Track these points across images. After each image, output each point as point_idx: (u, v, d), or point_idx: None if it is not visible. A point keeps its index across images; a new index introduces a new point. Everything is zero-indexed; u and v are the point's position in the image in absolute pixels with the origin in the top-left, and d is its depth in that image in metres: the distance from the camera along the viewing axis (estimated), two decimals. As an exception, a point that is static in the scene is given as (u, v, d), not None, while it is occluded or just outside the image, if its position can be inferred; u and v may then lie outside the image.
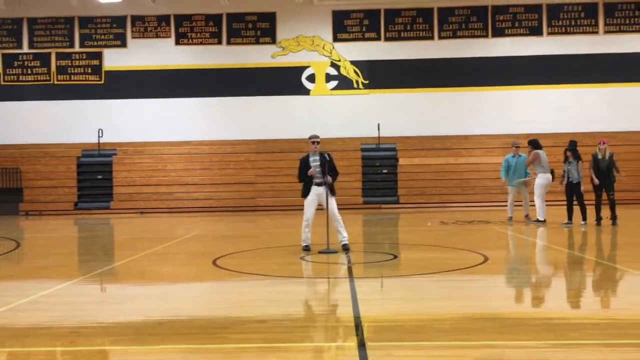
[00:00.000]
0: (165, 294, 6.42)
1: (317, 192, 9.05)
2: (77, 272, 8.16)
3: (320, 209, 9.14)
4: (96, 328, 4.89)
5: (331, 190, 9.04)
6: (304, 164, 9.14)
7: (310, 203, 9.06)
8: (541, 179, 12.90)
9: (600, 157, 12.53)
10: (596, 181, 12.47)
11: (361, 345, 4.15)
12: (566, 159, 12.63)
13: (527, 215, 13.59)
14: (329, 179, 8.96)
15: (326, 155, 9.19)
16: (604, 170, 12.42)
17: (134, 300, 6.06)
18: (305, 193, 9.09)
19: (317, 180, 9.03)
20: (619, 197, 13.06)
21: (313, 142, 9.14)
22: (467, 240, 10.78)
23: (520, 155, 13.73)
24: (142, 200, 20.77)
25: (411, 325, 4.72)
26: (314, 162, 9.07)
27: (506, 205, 14.07)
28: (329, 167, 9.00)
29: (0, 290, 6.78)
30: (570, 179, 12.41)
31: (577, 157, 12.53)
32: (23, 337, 4.61)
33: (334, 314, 5.39)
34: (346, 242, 9.02)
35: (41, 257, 9.87)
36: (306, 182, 9.11)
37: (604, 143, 12.54)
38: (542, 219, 12.78)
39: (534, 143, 13.21)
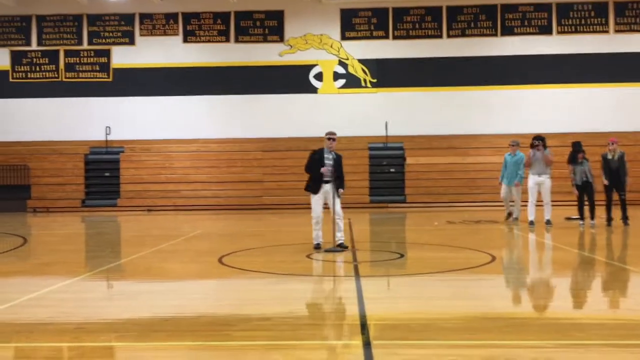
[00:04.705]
0: (171, 291, 6.42)
1: (324, 190, 8.99)
2: (83, 268, 8.18)
3: (326, 207, 9.10)
4: (101, 324, 4.89)
5: (337, 191, 8.99)
6: (317, 158, 8.98)
7: (318, 200, 8.99)
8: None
9: (610, 157, 12.43)
10: (605, 182, 12.39)
11: (367, 344, 4.13)
12: (575, 160, 12.49)
13: (516, 217, 13.53)
14: (341, 191, 8.94)
15: (340, 155, 9.12)
16: (615, 170, 12.32)
17: (140, 297, 6.07)
18: (315, 190, 9.00)
19: (326, 178, 8.95)
20: (630, 198, 12.94)
21: (329, 139, 8.99)
22: (474, 240, 10.73)
23: (516, 154, 13.63)
24: (149, 197, 20.82)
25: (417, 324, 4.70)
26: (328, 160, 8.95)
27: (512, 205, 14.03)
28: (338, 171, 8.95)
29: (6, 286, 6.81)
30: (585, 179, 12.32)
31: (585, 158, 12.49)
32: (28, 333, 4.62)
33: (339, 312, 5.37)
34: (342, 242, 8.97)
35: (48, 253, 9.91)
36: (316, 179, 9.01)
37: (613, 143, 12.44)
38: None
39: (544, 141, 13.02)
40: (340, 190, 8.93)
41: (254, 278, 6.98)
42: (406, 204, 20.32)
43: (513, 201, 13.89)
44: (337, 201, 8.97)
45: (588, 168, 12.37)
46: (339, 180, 8.99)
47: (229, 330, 4.59)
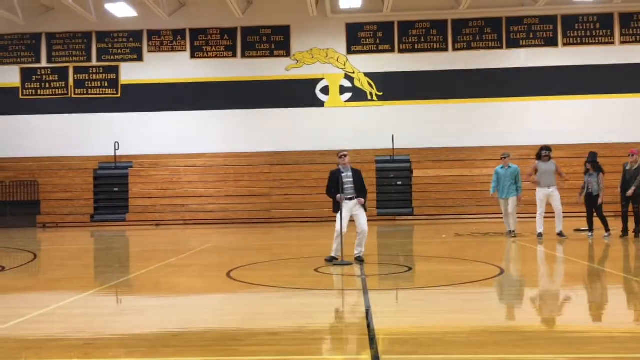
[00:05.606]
0: (180, 306, 6.43)
1: (348, 207, 9.07)
2: (92, 283, 8.21)
3: (351, 220, 9.16)
4: (110, 340, 4.90)
5: (362, 206, 9.11)
6: (335, 179, 9.12)
7: (341, 217, 9.06)
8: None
9: (628, 167, 12.32)
10: (617, 191, 12.35)
11: (375, 358, 4.11)
12: (587, 171, 12.46)
13: (511, 231, 13.10)
14: (362, 201, 9.06)
15: (357, 170, 9.27)
16: (629, 181, 12.17)
17: (148, 312, 6.08)
18: (337, 209, 9.09)
19: (348, 195, 9.06)
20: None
21: (341, 157, 9.20)
22: (482, 253, 10.69)
23: (509, 167, 13.46)
24: (158, 212, 20.88)
25: (426, 338, 4.68)
26: (347, 177, 9.10)
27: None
28: (360, 185, 9.09)
29: (15, 302, 6.83)
30: (590, 191, 12.25)
31: (598, 169, 12.33)
32: (37, 349, 4.63)
33: (348, 327, 5.36)
34: (361, 256, 8.99)
35: (57, 268, 9.95)
36: (335, 198, 9.11)
37: (633, 154, 12.24)
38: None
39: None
40: (361, 200, 9.05)
41: (262, 292, 6.98)
42: (414, 217, 20.27)
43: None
44: (363, 215, 9.07)
45: (596, 180, 12.25)
46: (362, 192, 9.16)
47: (237, 345, 4.58)
